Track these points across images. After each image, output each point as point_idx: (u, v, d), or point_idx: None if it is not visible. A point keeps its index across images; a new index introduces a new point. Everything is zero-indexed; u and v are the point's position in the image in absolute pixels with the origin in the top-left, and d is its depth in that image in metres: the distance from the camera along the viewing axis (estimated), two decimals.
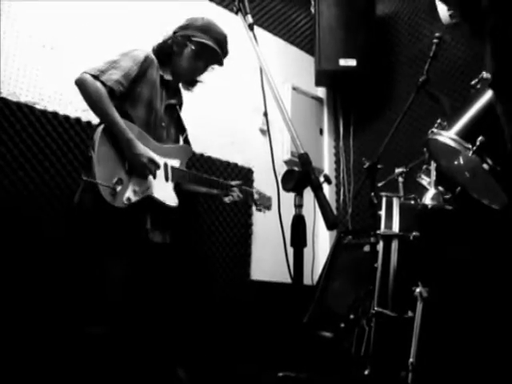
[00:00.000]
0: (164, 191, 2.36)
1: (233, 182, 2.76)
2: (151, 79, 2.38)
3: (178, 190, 2.46)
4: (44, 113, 2.69)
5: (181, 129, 2.63)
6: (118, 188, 2.13)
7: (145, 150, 2.24)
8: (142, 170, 2.24)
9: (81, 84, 2.19)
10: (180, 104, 2.66)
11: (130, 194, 2.20)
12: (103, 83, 2.19)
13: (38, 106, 2.69)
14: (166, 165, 2.40)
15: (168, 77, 2.49)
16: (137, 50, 2.38)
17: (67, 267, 2.50)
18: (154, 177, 2.31)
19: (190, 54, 2.48)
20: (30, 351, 2.38)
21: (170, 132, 2.53)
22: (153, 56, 2.44)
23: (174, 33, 2.54)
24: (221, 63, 2.57)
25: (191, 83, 2.65)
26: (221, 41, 2.52)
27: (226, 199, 2.66)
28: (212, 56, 2.53)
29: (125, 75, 2.26)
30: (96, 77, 2.19)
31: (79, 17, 2.92)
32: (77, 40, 2.89)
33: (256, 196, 2.81)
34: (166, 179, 2.39)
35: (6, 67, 2.61)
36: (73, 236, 2.43)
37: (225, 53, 2.57)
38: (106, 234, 2.17)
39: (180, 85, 2.66)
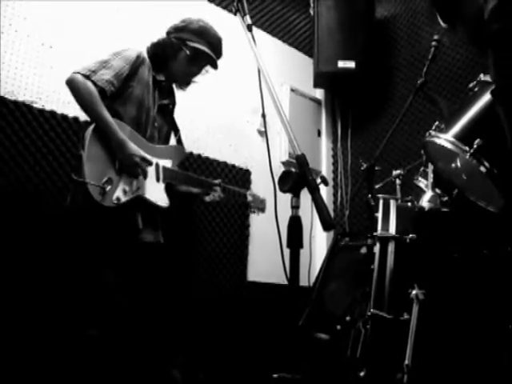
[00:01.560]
0: (155, 192, 2.35)
1: (216, 181, 2.67)
2: (143, 78, 2.38)
3: (170, 191, 2.43)
4: (42, 112, 2.68)
5: (174, 129, 2.62)
6: (108, 188, 2.13)
7: (137, 149, 2.24)
8: (133, 169, 2.23)
9: (71, 83, 2.18)
10: (173, 104, 2.65)
11: (119, 193, 2.19)
12: (94, 83, 2.18)
13: (35, 105, 2.69)
14: (157, 165, 2.39)
15: (161, 77, 2.48)
16: (129, 49, 2.37)
17: (62, 270, 2.50)
18: (145, 176, 2.29)
19: (185, 58, 2.47)
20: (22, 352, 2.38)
21: (162, 132, 2.53)
22: (145, 55, 2.43)
23: (168, 33, 2.52)
24: (215, 67, 2.56)
25: (185, 84, 2.63)
26: (215, 45, 2.51)
27: (207, 198, 2.60)
28: (206, 60, 2.52)
29: (116, 75, 2.25)
30: (87, 76, 2.18)
31: (78, 16, 2.92)
32: (76, 39, 2.89)
33: (249, 198, 2.76)
34: (158, 180, 2.37)
35: (3, 66, 2.61)
36: (66, 238, 2.41)
37: (219, 56, 2.56)
38: (97, 236, 2.17)
39: (173, 85, 2.64)
